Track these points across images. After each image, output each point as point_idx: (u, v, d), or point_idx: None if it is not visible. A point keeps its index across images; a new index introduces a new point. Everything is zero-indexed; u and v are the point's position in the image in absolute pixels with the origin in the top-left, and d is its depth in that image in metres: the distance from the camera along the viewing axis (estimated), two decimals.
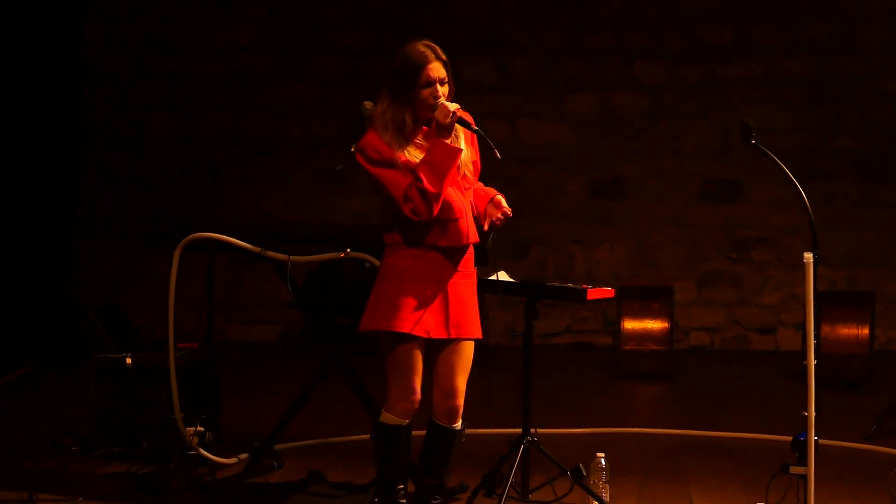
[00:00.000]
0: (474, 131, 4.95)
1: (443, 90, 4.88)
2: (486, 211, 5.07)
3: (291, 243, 5.90)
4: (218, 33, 10.37)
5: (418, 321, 4.88)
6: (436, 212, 4.84)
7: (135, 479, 5.94)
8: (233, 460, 6.30)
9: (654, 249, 10.21)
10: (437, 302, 4.92)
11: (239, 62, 10.36)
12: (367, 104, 5.29)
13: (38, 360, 8.70)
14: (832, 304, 8.70)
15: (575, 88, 10.24)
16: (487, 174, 5.26)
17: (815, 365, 4.87)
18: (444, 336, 4.95)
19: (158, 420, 6.27)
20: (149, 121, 10.43)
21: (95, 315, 6.88)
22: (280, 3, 10.34)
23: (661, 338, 8.97)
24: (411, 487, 5.20)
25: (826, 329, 8.60)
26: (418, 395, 4.98)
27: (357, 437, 6.85)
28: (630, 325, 9.00)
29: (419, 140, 4.92)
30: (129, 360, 6.47)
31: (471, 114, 4.94)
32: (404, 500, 5.07)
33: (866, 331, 8.65)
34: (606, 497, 5.67)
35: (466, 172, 5.02)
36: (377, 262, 5.39)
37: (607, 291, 5.62)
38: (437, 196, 4.82)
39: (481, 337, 5.09)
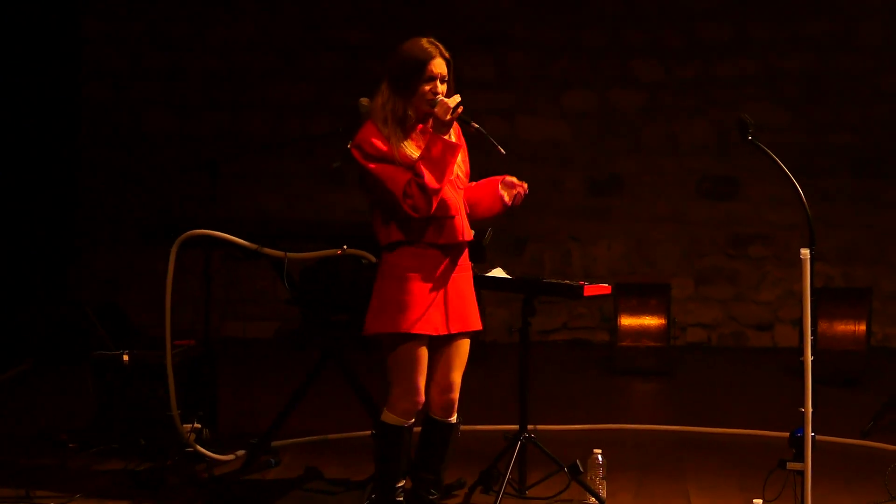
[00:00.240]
0: (475, 129, 4.95)
1: (442, 88, 4.89)
2: (498, 195, 5.08)
3: (288, 240, 5.91)
4: (216, 32, 10.37)
5: (425, 320, 4.88)
6: (434, 208, 4.85)
7: (132, 475, 5.95)
8: (230, 457, 6.30)
9: (652, 246, 10.20)
10: (439, 299, 4.93)
11: (237, 60, 10.35)
12: (364, 101, 5.30)
13: (37, 357, 8.70)
14: (829, 301, 8.70)
15: (573, 85, 10.23)
16: (486, 171, 5.27)
17: (812, 361, 4.88)
18: (446, 332, 4.96)
19: (156, 417, 6.28)
20: (148, 119, 10.43)
21: (94, 314, 6.89)
22: (279, 1, 10.34)
23: (658, 334, 8.96)
24: (408, 484, 5.21)
25: (823, 325, 8.60)
26: (422, 397, 4.97)
27: (354, 433, 6.86)
28: (627, 321, 8.99)
29: (415, 136, 4.93)
30: (126, 358, 6.47)
31: (469, 110, 4.95)
32: (402, 499, 5.08)
33: (863, 327, 8.65)
34: (603, 493, 5.67)
35: (459, 173, 5.03)
36: (374, 259, 5.40)
37: (604, 288, 5.63)
38: (438, 192, 4.82)
39: (481, 328, 5.10)
